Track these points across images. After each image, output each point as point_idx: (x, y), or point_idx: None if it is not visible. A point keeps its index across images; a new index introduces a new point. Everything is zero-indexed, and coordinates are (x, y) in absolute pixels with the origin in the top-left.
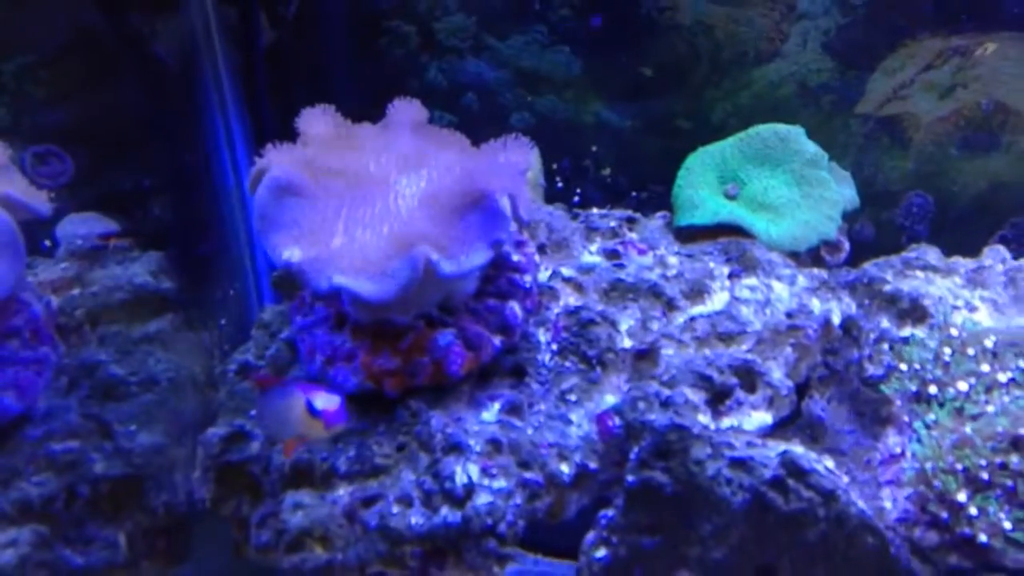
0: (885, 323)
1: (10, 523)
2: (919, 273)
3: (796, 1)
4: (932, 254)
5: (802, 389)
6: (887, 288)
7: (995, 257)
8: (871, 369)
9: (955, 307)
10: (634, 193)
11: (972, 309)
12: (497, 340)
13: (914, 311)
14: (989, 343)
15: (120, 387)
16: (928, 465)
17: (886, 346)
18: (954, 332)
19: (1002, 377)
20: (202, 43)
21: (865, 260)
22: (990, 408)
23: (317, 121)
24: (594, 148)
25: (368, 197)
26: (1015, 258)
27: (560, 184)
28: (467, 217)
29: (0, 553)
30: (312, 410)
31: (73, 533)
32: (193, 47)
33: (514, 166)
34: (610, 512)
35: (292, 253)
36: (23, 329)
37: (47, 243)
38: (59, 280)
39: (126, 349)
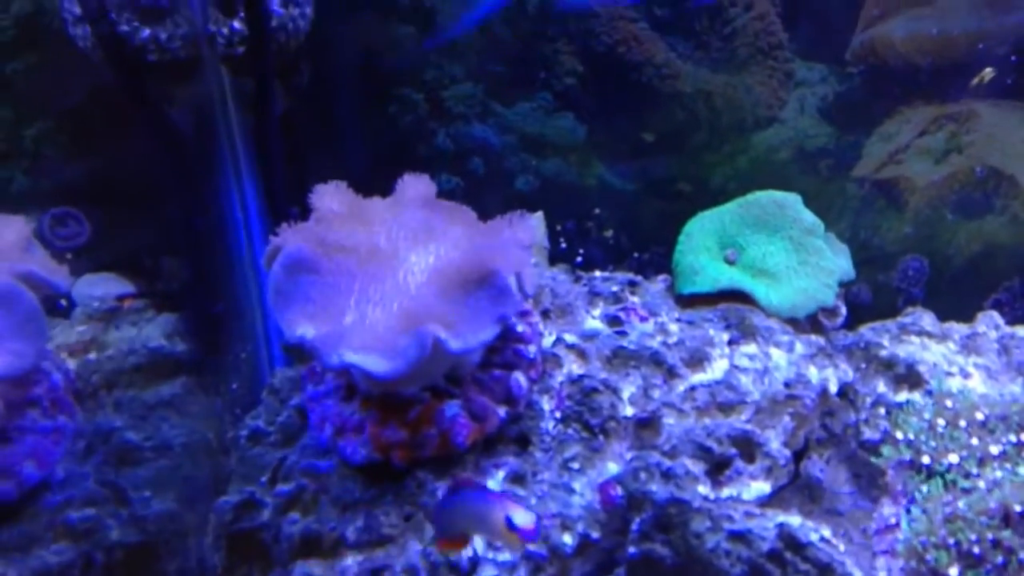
0: (881, 387)
1: None
2: (914, 338)
3: (794, 69)
4: (927, 319)
5: (801, 453)
6: (883, 353)
7: (988, 324)
8: (868, 433)
9: (949, 373)
10: (636, 254)
11: (966, 376)
12: (502, 411)
13: (910, 376)
14: (981, 415)
15: (135, 452)
16: (921, 538)
17: (882, 410)
18: (948, 403)
19: (994, 450)
20: (218, 110)
21: (863, 322)
22: (981, 483)
23: (330, 197)
24: (597, 210)
25: (379, 273)
26: (1009, 323)
27: (564, 245)
28: (475, 294)
29: None
30: (510, 525)
31: None
32: (209, 113)
33: (519, 242)
34: None
35: (306, 330)
36: (43, 399)
37: (63, 303)
38: (76, 344)
39: (141, 414)
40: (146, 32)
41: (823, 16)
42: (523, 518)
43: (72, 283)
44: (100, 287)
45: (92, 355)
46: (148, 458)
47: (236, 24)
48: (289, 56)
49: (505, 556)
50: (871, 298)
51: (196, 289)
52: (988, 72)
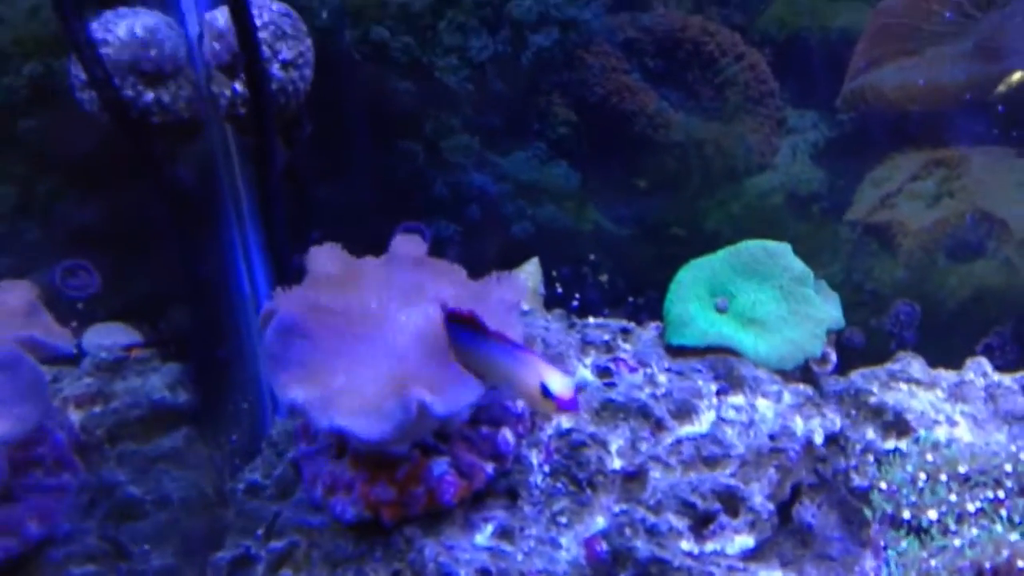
0: (871, 434)
1: None
2: (903, 386)
3: (785, 117)
4: (916, 366)
5: (792, 500)
6: (873, 400)
7: (976, 371)
8: (857, 480)
9: (936, 421)
10: (631, 298)
11: (953, 424)
12: (489, 467)
13: (898, 424)
14: (962, 470)
15: (136, 507)
16: None
17: (871, 457)
18: (929, 457)
19: (971, 507)
20: (221, 166)
21: (855, 366)
22: (957, 541)
23: (324, 260)
24: (592, 256)
25: (369, 336)
26: (999, 367)
27: (560, 290)
28: None
29: None
30: (546, 392)
31: None
32: (212, 169)
33: (506, 304)
34: None
35: (296, 394)
36: (47, 457)
37: (74, 351)
38: (82, 396)
39: (142, 467)
40: (149, 96)
41: (813, 65)
42: (561, 385)
43: (79, 337)
44: (109, 337)
45: (98, 408)
46: (148, 512)
47: (238, 87)
48: (290, 114)
49: None
50: (864, 341)
51: (200, 340)
52: (1018, 76)
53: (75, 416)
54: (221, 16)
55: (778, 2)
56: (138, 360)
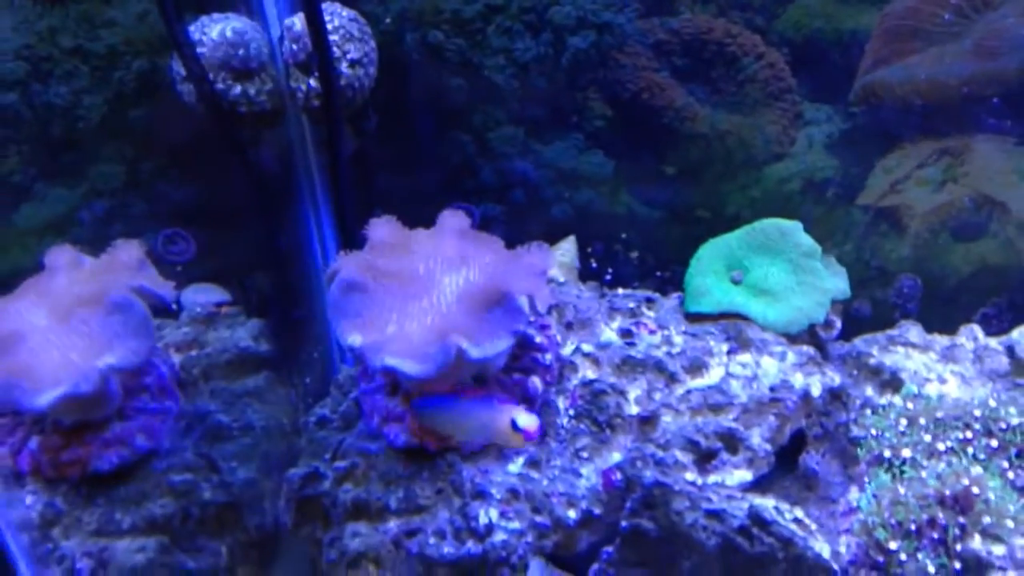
0: (869, 391)
1: (140, 534)
2: (900, 349)
3: (801, 110)
4: (914, 332)
5: (797, 446)
6: (872, 361)
7: (968, 335)
8: (855, 431)
9: (928, 379)
10: (658, 273)
11: (943, 381)
12: None
13: (893, 382)
14: (937, 416)
15: (225, 431)
16: (870, 519)
17: (869, 411)
18: (910, 405)
19: (941, 447)
20: (298, 151)
21: (861, 333)
22: (924, 474)
23: (382, 229)
24: (624, 235)
25: (416, 294)
26: (996, 333)
27: (594, 265)
28: (493, 311)
29: (133, 556)
30: (515, 427)
31: (187, 543)
32: (290, 153)
33: (533, 268)
34: (610, 549)
35: (355, 339)
36: (152, 386)
37: (174, 307)
38: (181, 342)
39: (230, 401)
40: (238, 89)
41: (827, 63)
42: (527, 420)
43: (178, 293)
44: (202, 295)
45: (194, 352)
46: (235, 436)
47: (312, 82)
48: (357, 107)
49: (515, 524)
50: (871, 312)
51: (279, 299)
52: None
53: (175, 358)
54: (298, 21)
55: (795, 6)
56: (227, 315)
